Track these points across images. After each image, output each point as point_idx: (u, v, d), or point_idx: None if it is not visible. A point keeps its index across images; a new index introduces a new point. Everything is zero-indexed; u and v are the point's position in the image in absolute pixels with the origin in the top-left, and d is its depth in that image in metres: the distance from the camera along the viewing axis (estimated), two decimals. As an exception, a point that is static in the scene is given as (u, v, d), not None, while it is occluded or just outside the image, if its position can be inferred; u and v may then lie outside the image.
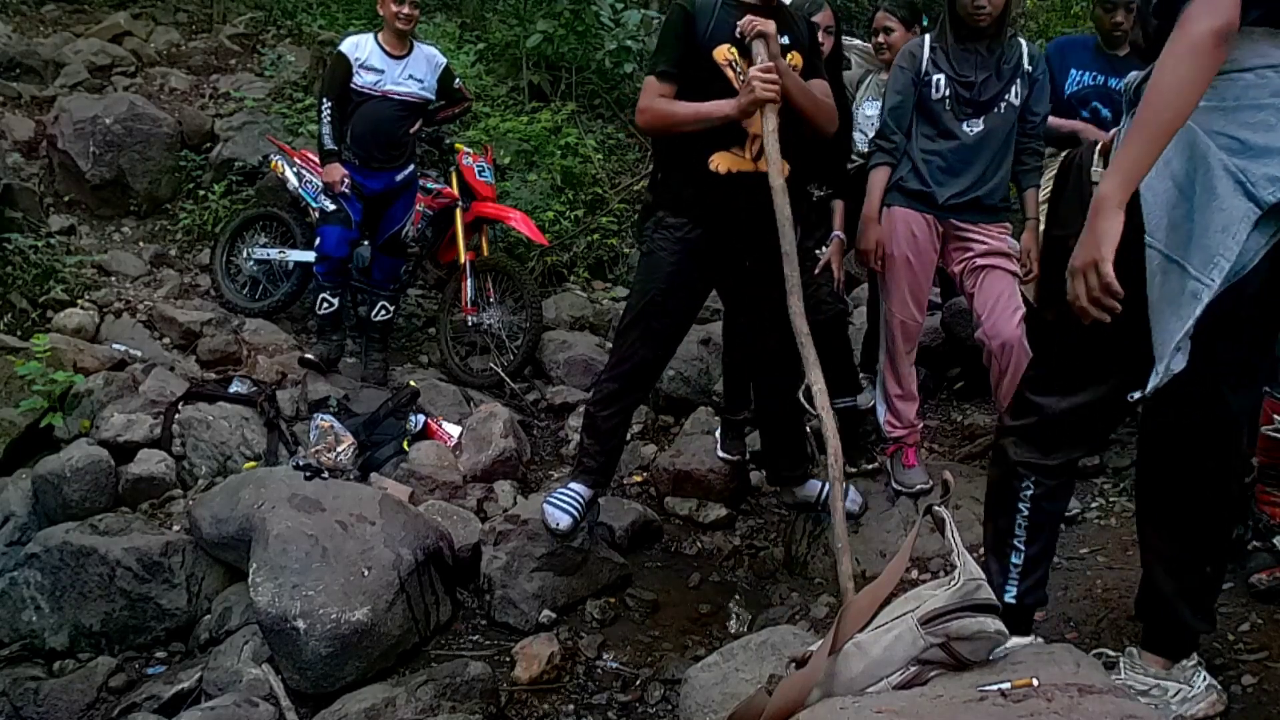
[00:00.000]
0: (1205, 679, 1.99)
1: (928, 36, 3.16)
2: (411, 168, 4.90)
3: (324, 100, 4.68)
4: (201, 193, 6.15)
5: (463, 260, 5.08)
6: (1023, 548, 2.01)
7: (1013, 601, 2.01)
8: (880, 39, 3.72)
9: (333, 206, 4.69)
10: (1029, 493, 1.97)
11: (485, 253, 5.26)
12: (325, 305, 4.79)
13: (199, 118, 6.59)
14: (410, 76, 4.77)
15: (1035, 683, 1.57)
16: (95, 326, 4.89)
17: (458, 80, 5.14)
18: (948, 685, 1.66)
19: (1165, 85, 1.55)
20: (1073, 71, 3.57)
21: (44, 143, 6.26)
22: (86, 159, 6.05)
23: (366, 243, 4.91)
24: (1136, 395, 1.81)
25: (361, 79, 4.68)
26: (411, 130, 4.87)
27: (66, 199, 6.13)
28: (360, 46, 4.72)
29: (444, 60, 4.99)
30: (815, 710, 1.66)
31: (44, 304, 4.94)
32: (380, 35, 4.76)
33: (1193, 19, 1.53)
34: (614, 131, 7.37)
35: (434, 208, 5.25)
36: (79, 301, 5.02)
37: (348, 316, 5.08)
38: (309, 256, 5.01)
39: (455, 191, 5.22)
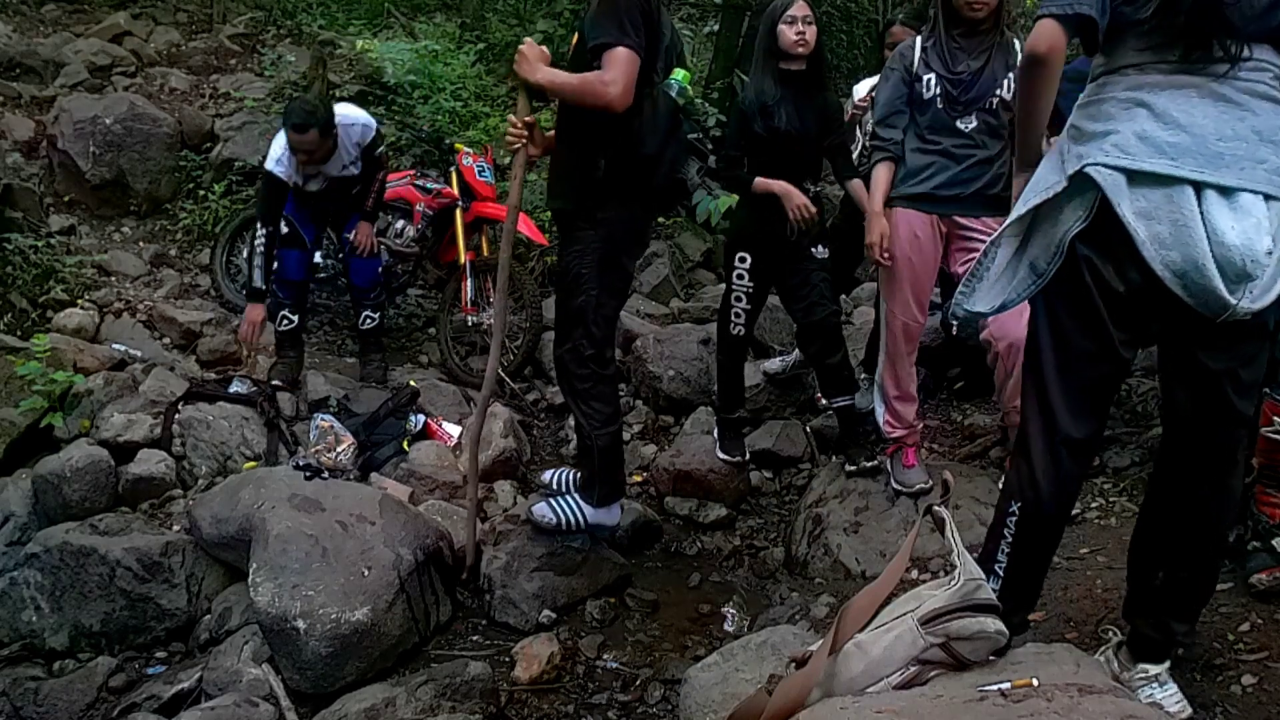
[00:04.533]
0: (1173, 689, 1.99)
1: (919, 36, 3.15)
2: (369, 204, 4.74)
3: (261, 227, 4.31)
4: (201, 193, 6.16)
5: (463, 260, 5.08)
6: (1001, 573, 2.01)
7: None
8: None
9: (286, 230, 4.50)
10: (1014, 518, 1.98)
11: (485, 253, 5.26)
12: (285, 323, 4.60)
13: (199, 118, 6.60)
14: (343, 167, 4.53)
15: (1035, 683, 1.57)
16: (95, 326, 4.89)
17: (380, 149, 4.71)
18: (948, 685, 1.66)
19: (1018, 94, 1.93)
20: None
21: (44, 143, 6.27)
22: (86, 159, 6.05)
23: (317, 255, 4.81)
24: (956, 316, 2.01)
25: (301, 178, 4.43)
26: (352, 192, 4.69)
27: (66, 199, 6.13)
28: (285, 163, 4.29)
29: (370, 135, 4.55)
30: (815, 710, 1.66)
31: (44, 304, 4.94)
32: None
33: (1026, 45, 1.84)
34: (614, 131, 7.36)
35: (434, 208, 5.25)
36: (79, 301, 5.02)
37: (342, 323, 5.04)
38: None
39: (455, 191, 5.22)
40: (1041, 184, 1.84)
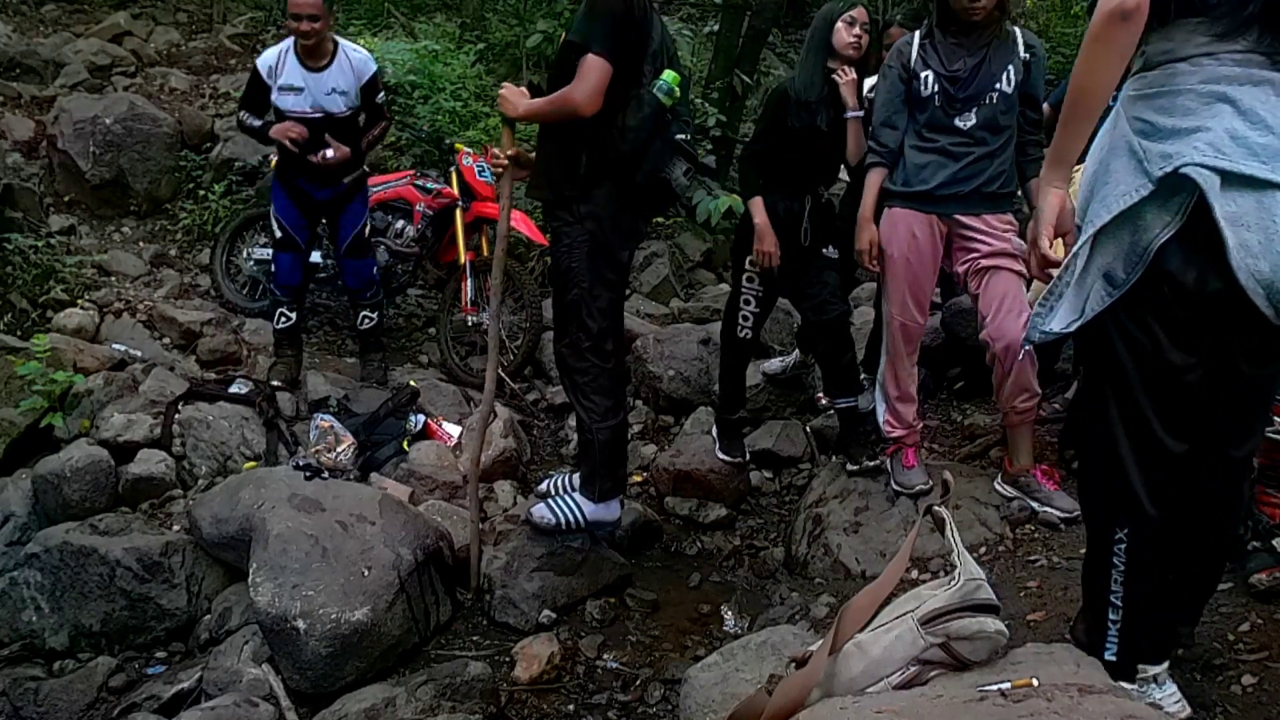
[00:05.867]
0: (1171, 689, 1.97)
1: (917, 32, 3.14)
2: (359, 170, 4.64)
3: (241, 110, 4.47)
4: (201, 193, 6.16)
5: (463, 260, 5.09)
6: (1120, 603, 1.85)
7: (1113, 660, 1.87)
8: None
9: (280, 234, 4.51)
10: (1123, 545, 1.83)
11: (485, 253, 5.26)
12: (283, 320, 4.59)
13: (199, 118, 6.60)
14: (334, 90, 4.38)
15: (1035, 683, 1.57)
16: (95, 326, 4.89)
17: (381, 95, 4.61)
18: (948, 685, 1.66)
19: (1077, 71, 1.70)
20: None
21: (44, 143, 6.27)
22: (86, 159, 6.05)
23: (317, 255, 4.84)
24: (1032, 340, 1.89)
25: (285, 101, 4.34)
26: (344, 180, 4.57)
27: (66, 199, 6.13)
28: (277, 60, 4.34)
29: (371, 69, 4.48)
30: (815, 710, 1.67)
31: (44, 304, 4.94)
32: (297, 44, 4.37)
33: (1097, 7, 1.64)
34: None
35: (434, 208, 5.25)
36: (79, 301, 5.02)
37: (346, 319, 5.04)
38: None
39: (455, 191, 5.22)
40: (1120, 188, 1.69)
